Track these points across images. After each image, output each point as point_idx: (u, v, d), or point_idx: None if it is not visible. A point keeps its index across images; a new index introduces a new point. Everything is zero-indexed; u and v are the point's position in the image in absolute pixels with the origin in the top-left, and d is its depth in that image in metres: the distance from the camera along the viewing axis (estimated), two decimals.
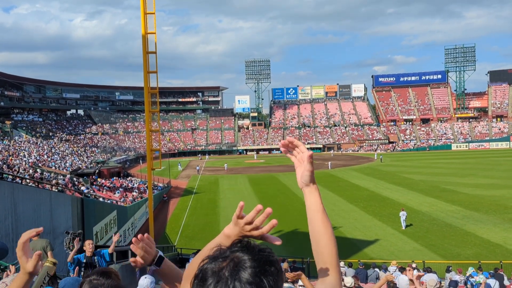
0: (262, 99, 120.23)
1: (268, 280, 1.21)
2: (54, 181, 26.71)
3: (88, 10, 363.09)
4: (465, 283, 14.03)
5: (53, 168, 39.00)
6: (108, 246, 8.30)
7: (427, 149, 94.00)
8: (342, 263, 16.29)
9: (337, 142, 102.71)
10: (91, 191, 28.80)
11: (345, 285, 9.71)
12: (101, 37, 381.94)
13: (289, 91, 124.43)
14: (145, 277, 5.42)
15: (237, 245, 1.31)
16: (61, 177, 30.34)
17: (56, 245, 13.16)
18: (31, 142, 55.56)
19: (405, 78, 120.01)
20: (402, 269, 15.24)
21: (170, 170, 55.96)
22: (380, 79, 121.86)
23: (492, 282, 13.34)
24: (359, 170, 59.34)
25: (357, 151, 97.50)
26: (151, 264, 1.79)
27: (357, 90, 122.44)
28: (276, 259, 1.31)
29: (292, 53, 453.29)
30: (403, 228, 26.82)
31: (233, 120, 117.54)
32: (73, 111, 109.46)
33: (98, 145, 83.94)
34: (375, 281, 14.84)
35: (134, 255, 1.81)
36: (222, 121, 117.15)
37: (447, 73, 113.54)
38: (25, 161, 36.98)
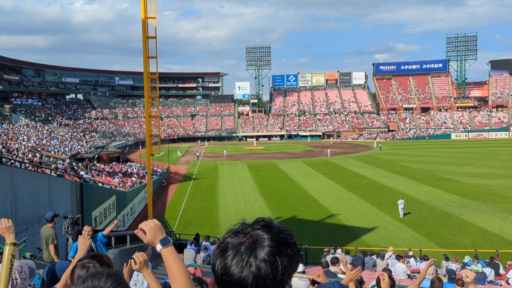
0: (263, 85, 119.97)
1: (282, 260, 1.30)
2: (53, 166, 26.74)
3: None
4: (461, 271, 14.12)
5: (52, 152, 39.01)
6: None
7: (427, 138, 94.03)
8: (339, 250, 16.41)
9: (336, 130, 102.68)
10: (90, 176, 28.85)
11: (342, 272, 9.79)
12: (101, 21, 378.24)
13: (289, 78, 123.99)
14: (138, 274, 5.38)
15: (259, 223, 1.40)
16: (60, 161, 30.35)
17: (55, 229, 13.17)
18: (30, 126, 55.47)
19: (406, 67, 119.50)
20: (399, 257, 15.36)
21: (170, 156, 56.02)
22: (380, 67, 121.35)
23: (487, 270, 13.44)
24: (358, 158, 59.42)
25: (357, 139, 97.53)
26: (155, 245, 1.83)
27: (358, 78, 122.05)
28: (294, 242, 1.39)
29: (294, 39, 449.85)
30: (401, 216, 26.96)
31: (233, 106, 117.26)
32: (73, 95, 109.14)
33: (98, 130, 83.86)
34: (372, 268, 14.96)
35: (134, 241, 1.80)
36: (222, 107, 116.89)
37: (448, 62, 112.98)
38: (24, 145, 36.95)
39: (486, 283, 12.82)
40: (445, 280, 8.91)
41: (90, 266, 1.89)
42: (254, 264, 1.26)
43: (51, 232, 8.50)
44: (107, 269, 1.81)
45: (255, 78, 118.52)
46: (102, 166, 36.88)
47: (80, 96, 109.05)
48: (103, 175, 33.34)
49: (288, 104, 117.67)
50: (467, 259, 15.70)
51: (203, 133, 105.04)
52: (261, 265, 1.26)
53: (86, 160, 35.52)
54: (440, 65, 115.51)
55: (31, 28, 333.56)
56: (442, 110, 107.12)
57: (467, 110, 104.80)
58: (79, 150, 46.17)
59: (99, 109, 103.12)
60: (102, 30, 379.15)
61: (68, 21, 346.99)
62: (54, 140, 48.08)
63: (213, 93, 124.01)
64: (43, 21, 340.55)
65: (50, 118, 77.98)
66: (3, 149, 29.03)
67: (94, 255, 2.10)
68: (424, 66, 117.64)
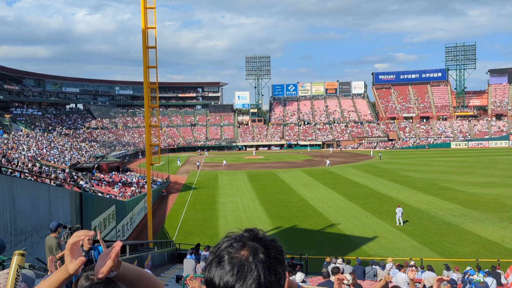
0: (262, 95, 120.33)
1: (283, 268, 1.33)
2: (53, 175, 26.71)
3: (91, 4, 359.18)
4: (462, 281, 14.06)
5: (52, 162, 38.98)
6: (104, 241, 8.29)
7: (426, 147, 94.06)
8: (340, 260, 16.32)
9: (336, 139, 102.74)
10: (90, 185, 28.80)
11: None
12: (103, 31, 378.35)
13: (289, 88, 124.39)
14: None
15: (250, 234, 1.39)
16: (60, 171, 30.31)
17: (58, 239, 13.13)
18: (30, 136, 55.49)
19: (405, 76, 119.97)
20: (400, 267, 15.27)
21: (169, 165, 55.99)
22: (380, 77, 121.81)
23: (489, 280, 13.35)
24: (358, 167, 59.36)
25: (357, 148, 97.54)
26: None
27: (357, 87, 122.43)
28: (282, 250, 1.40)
29: (294, 49, 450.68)
30: (399, 224, 26.86)
31: (232, 116, 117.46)
32: (73, 105, 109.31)
33: (97, 139, 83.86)
34: (373, 278, 14.87)
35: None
36: (222, 116, 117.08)
37: (447, 71, 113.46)
38: (24, 154, 36.93)
39: None
40: None
41: (95, 278, 1.86)
42: (256, 274, 1.26)
43: (54, 242, 8.49)
44: (105, 281, 1.78)
45: (255, 87, 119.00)
46: (102, 175, 36.84)
47: (80, 106, 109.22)
48: (103, 184, 33.30)
49: (287, 113, 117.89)
50: (467, 268, 15.63)
51: (202, 142, 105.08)
52: (266, 273, 1.27)
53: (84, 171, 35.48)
54: (439, 74, 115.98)
55: (33, 39, 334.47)
56: (442, 119, 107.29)
57: (467, 119, 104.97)
58: (79, 160, 46.13)
59: (99, 118, 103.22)
60: (103, 40, 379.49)
61: (70, 32, 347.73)
62: (54, 150, 48.04)
63: (213, 103, 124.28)
64: (45, 32, 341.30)
65: (50, 128, 78.01)
66: (3, 159, 29.01)
67: None
68: (424, 75, 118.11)
